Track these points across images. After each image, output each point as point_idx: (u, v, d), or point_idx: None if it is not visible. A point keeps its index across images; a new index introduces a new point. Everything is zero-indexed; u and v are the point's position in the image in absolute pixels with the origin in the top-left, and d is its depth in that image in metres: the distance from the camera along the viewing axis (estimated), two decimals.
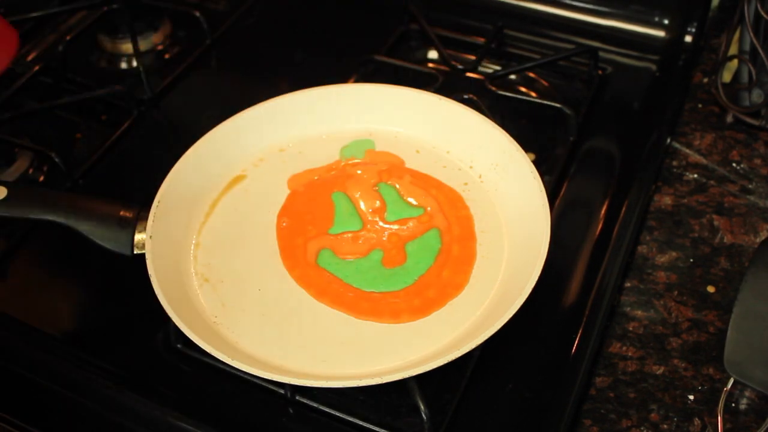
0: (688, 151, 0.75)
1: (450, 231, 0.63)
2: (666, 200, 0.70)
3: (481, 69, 0.81)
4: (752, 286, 0.53)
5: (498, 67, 0.83)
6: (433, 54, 0.87)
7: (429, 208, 0.65)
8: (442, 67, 0.82)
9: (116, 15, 0.87)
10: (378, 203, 0.66)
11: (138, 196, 0.63)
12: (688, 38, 0.84)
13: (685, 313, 0.62)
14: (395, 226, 0.64)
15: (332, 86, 0.72)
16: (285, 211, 0.66)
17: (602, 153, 0.75)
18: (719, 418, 0.53)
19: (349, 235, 0.64)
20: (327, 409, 0.56)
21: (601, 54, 0.83)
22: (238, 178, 0.69)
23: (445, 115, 0.69)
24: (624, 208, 0.68)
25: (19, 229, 0.69)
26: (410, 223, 0.64)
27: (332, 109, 0.72)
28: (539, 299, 0.55)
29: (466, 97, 0.75)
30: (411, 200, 0.66)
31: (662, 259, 0.66)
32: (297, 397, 0.57)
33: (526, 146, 0.66)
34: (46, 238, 0.69)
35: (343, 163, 0.70)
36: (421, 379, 0.52)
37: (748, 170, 0.73)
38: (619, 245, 0.65)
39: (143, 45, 0.88)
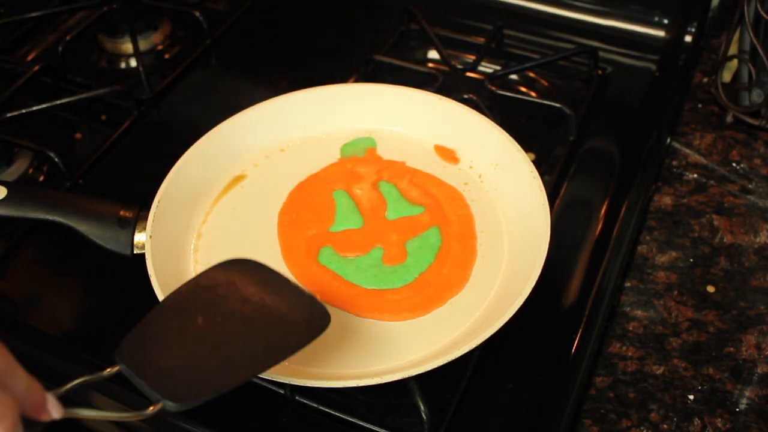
0: (688, 151, 0.75)
1: (450, 229, 0.63)
2: (666, 200, 0.70)
3: (481, 69, 0.81)
4: None
5: (498, 67, 0.83)
6: (433, 54, 0.87)
7: (429, 206, 0.65)
8: (442, 67, 0.82)
9: (116, 15, 0.87)
10: (378, 201, 0.66)
11: (138, 196, 0.63)
12: (688, 38, 0.84)
13: (685, 313, 0.62)
14: (396, 224, 0.64)
15: (332, 86, 0.72)
16: (286, 209, 0.66)
17: (602, 153, 0.75)
18: None
19: (350, 232, 0.64)
20: (327, 409, 0.56)
21: (601, 54, 0.83)
22: (238, 178, 0.69)
23: (445, 115, 0.69)
24: (624, 208, 0.68)
25: (19, 229, 0.69)
26: (411, 221, 0.64)
27: (332, 109, 0.72)
28: (539, 299, 0.55)
29: (466, 97, 0.75)
30: (412, 198, 0.66)
31: (662, 259, 0.66)
32: (297, 397, 0.57)
33: (526, 146, 0.66)
34: (46, 238, 0.69)
35: (344, 161, 0.70)
36: (421, 379, 0.52)
37: (748, 170, 0.73)
38: (619, 245, 0.65)
39: (143, 45, 0.88)
